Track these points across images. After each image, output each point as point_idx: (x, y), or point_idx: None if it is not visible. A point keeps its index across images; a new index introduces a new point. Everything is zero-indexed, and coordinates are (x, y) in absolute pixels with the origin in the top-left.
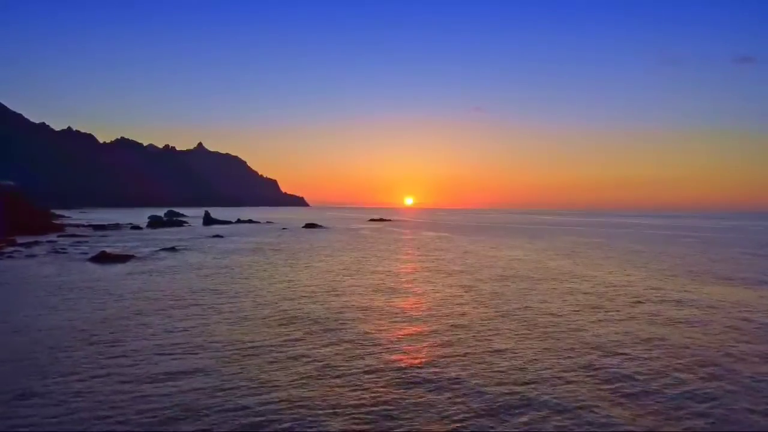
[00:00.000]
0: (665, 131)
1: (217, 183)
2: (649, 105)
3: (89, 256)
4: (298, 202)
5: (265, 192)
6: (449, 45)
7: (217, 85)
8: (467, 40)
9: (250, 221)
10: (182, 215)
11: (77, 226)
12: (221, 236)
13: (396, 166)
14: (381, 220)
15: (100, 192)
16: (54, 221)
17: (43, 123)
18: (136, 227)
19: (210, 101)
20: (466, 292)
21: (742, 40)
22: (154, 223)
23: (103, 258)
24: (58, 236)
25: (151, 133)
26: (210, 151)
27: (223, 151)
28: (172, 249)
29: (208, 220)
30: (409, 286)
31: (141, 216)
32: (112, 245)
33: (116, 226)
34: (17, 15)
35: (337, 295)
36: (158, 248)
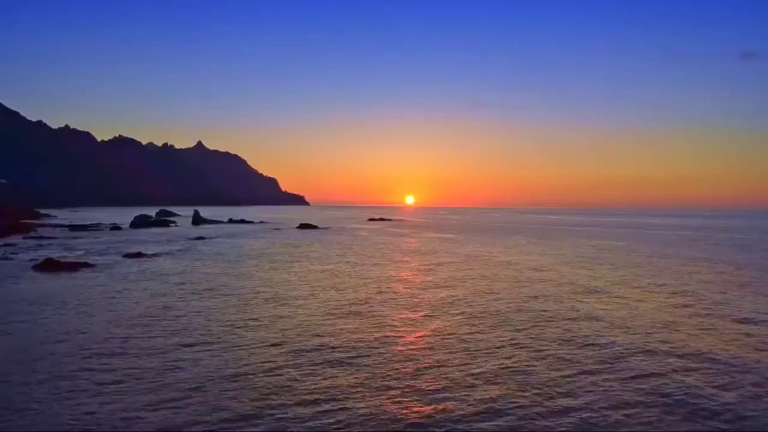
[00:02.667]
0: (668, 129)
1: (216, 182)
2: (653, 102)
3: (35, 263)
4: (298, 201)
5: (265, 191)
6: (448, 42)
7: (216, 84)
8: (466, 37)
9: (242, 221)
10: (174, 214)
11: (54, 226)
12: (204, 238)
13: (397, 164)
14: (381, 219)
15: (99, 191)
16: (33, 221)
17: (41, 121)
18: (116, 228)
19: (209, 100)
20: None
21: (746, 35)
22: (138, 223)
23: (47, 266)
24: (23, 238)
25: (150, 132)
26: (210, 150)
27: (223, 150)
28: (138, 254)
29: (198, 220)
30: (402, 336)
31: (134, 215)
32: (76, 249)
33: (96, 227)
34: (14, 13)
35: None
36: (123, 253)
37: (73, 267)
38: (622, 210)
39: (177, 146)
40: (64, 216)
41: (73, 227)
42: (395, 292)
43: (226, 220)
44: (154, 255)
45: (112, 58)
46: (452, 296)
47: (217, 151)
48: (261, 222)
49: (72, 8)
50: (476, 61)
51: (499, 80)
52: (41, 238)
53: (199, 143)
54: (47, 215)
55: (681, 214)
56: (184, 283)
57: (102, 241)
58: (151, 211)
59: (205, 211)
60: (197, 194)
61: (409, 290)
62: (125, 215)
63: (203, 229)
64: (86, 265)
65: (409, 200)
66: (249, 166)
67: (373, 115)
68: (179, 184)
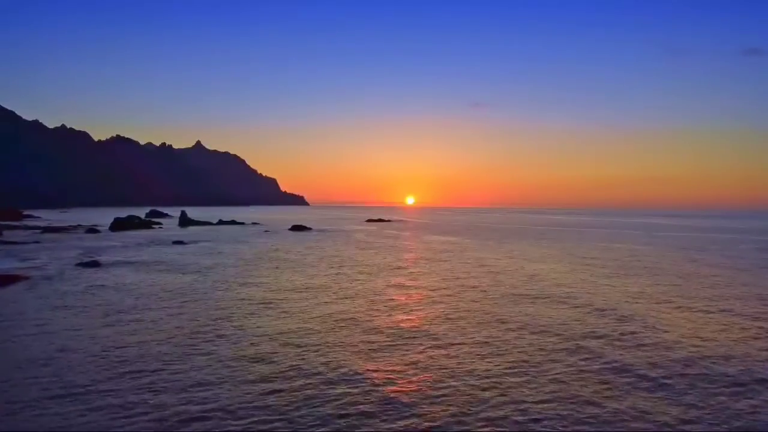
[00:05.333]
0: (668, 129)
1: (216, 182)
2: (653, 101)
3: None
4: (298, 201)
5: (265, 191)
6: (447, 40)
7: (215, 83)
8: (465, 35)
9: (233, 222)
10: (165, 215)
11: (29, 228)
12: (182, 242)
13: (397, 164)
14: (379, 220)
15: (96, 191)
16: (7, 222)
17: (36, 120)
18: (93, 230)
19: (208, 99)
20: None
21: (749, 31)
22: (119, 224)
23: None
24: None
25: (148, 132)
26: (208, 150)
27: (222, 150)
28: (93, 264)
29: (185, 221)
30: None
31: (125, 216)
32: (29, 256)
33: (72, 229)
34: (11, 11)
35: None
36: (79, 261)
37: (4, 281)
38: (624, 210)
39: (175, 146)
40: (50, 217)
41: (47, 229)
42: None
43: (216, 221)
44: (113, 264)
45: (110, 57)
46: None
47: (216, 150)
48: (253, 223)
49: (69, 7)
50: (476, 60)
51: (499, 80)
52: (3, 242)
53: (198, 143)
54: (30, 216)
55: (686, 214)
56: (104, 316)
57: (66, 245)
58: (145, 212)
59: (203, 212)
60: (196, 194)
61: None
62: (118, 216)
63: (187, 232)
64: (20, 278)
65: (410, 200)
66: (248, 166)
67: (373, 114)
68: (178, 184)
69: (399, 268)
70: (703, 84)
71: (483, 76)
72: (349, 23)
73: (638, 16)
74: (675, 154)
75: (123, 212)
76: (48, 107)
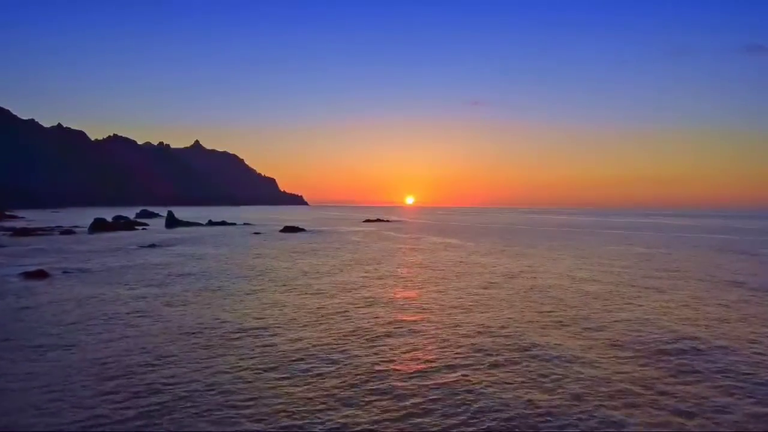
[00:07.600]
0: (669, 128)
1: (215, 182)
2: (655, 100)
3: None
4: (297, 201)
5: (264, 191)
6: (447, 40)
7: (213, 83)
8: (465, 35)
9: (223, 223)
10: (156, 215)
11: (2, 230)
12: (156, 246)
13: (396, 164)
14: (377, 220)
15: (92, 190)
16: None
17: (32, 119)
18: (69, 232)
19: (207, 98)
20: None
21: (752, 28)
22: (98, 226)
23: None
24: None
25: (146, 131)
26: (207, 149)
27: (221, 150)
28: (37, 274)
29: (171, 222)
30: None
31: (115, 215)
32: None
33: (48, 231)
34: (6, 10)
35: None
36: (24, 270)
37: None
38: (624, 210)
39: (174, 146)
40: (40, 217)
41: (19, 231)
42: None
43: (205, 222)
44: (64, 272)
45: (107, 56)
46: None
47: (214, 150)
48: (245, 224)
49: (65, 5)
50: (476, 59)
51: (498, 78)
52: None
53: (197, 142)
54: (14, 216)
55: (689, 214)
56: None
57: (27, 250)
58: (143, 210)
59: (200, 212)
60: (194, 194)
61: None
62: (109, 216)
63: (170, 234)
64: None
65: (409, 200)
66: (247, 165)
67: (372, 114)
68: (176, 184)
69: (396, 295)
70: (704, 83)
71: (481, 74)
72: (347, 23)
73: (638, 17)
74: (675, 154)
75: (118, 213)
76: (44, 106)
